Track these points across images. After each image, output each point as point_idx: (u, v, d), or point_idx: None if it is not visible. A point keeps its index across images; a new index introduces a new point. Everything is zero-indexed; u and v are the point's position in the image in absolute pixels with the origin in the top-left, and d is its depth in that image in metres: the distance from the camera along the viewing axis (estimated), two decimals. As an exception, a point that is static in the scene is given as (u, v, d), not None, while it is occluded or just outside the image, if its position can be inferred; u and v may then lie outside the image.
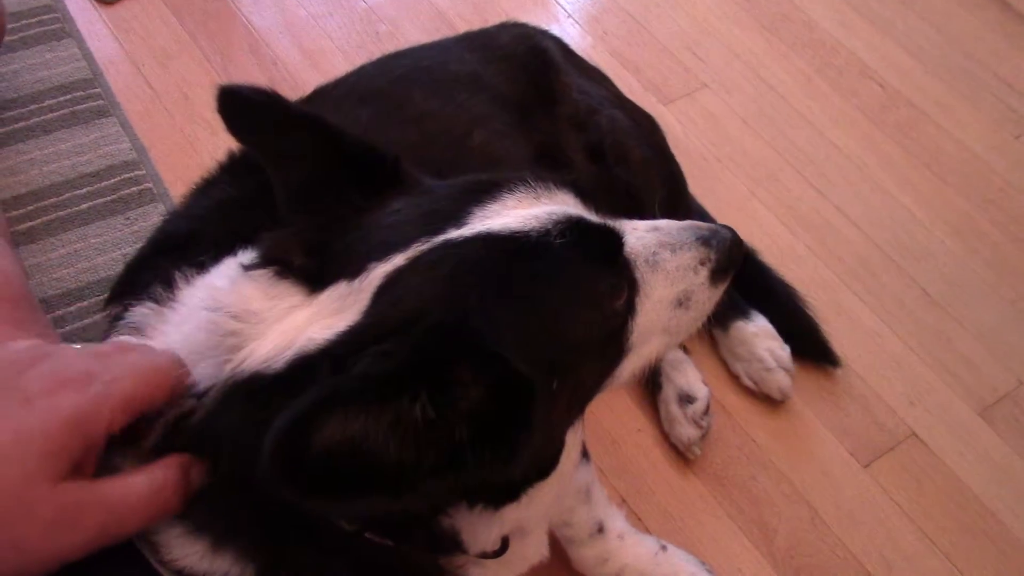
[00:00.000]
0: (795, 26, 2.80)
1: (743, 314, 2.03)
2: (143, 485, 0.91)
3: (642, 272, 1.08)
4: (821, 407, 2.02)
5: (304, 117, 1.02)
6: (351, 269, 0.92)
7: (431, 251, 0.92)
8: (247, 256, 1.00)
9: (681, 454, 1.92)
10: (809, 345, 2.06)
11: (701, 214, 2.19)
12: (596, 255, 1.01)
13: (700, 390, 1.93)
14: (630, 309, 1.06)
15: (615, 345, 1.05)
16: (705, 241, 1.15)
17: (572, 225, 0.98)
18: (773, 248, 2.25)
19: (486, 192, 1.00)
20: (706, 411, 1.91)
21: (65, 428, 0.87)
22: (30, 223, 2.03)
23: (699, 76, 2.65)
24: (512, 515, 1.04)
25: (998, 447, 1.98)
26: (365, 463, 0.77)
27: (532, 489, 1.04)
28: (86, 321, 1.90)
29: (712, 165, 2.44)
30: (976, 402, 2.05)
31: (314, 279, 0.93)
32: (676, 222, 1.18)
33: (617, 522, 1.67)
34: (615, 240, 1.06)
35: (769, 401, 2.01)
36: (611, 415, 1.98)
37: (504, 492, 1.00)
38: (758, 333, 2.01)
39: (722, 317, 2.04)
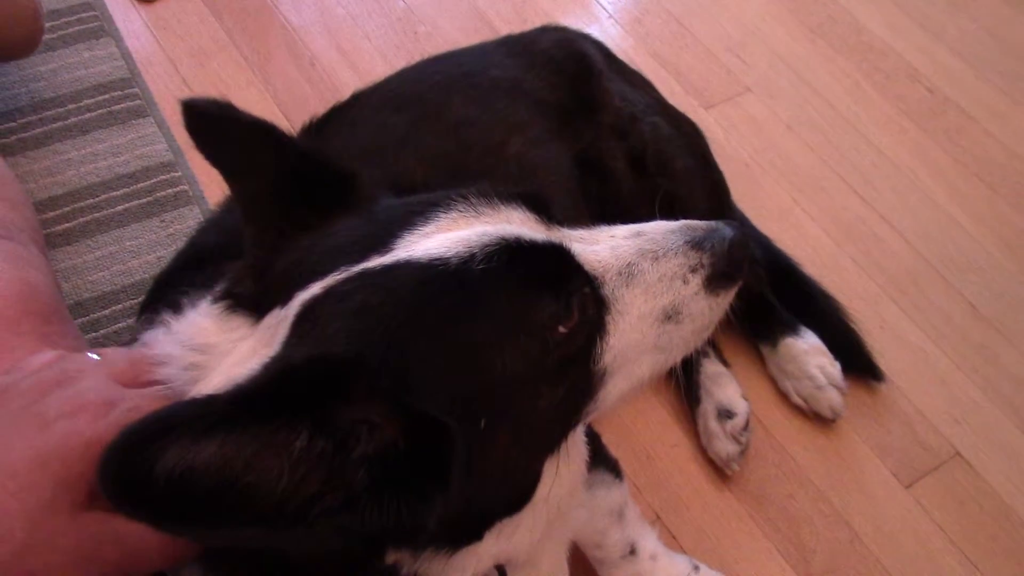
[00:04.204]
0: (843, 29, 2.73)
1: (792, 330, 1.99)
2: None
3: (613, 287, 0.99)
4: (863, 424, 1.97)
5: (258, 128, 0.97)
6: (283, 296, 0.88)
7: (346, 281, 0.86)
8: (216, 287, 0.98)
9: (718, 470, 1.89)
10: (852, 359, 2.01)
11: (743, 223, 2.14)
12: (531, 279, 0.91)
13: (740, 405, 1.88)
14: (597, 329, 0.96)
15: (580, 371, 0.95)
16: (696, 244, 1.03)
17: (503, 248, 0.90)
18: (816, 259, 2.20)
19: (420, 214, 0.93)
20: (745, 426, 1.87)
21: (83, 454, 0.86)
22: (66, 224, 2.03)
23: (742, 80, 2.59)
24: (490, 550, 0.99)
25: (1046, 470, 1.92)
26: (231, 492, 0.72)
27: (504, 524, 0.98)
28: (120, 324, 1.90)
29: (754, 172, 2.39)
30: (1023, 421, 1.99)
31: (258, 307, 0.90)
32: (665, 224, 1.06)
33: (649, 542, 1.64)
34: (559, 260, 0.96)
35: (810, 418, 1.96)
36: (647, 429, 1.94)
37: (457, 532, 0.93)
38: (808, 350, 1.96)
39: (770, 333, 2.00)
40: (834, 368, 1.94)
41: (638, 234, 1.04)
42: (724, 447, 1.86)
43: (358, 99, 1.71)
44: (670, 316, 1.02)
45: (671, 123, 1.90)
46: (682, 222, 1.07)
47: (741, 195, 2.19)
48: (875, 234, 2.28)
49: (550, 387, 0.92)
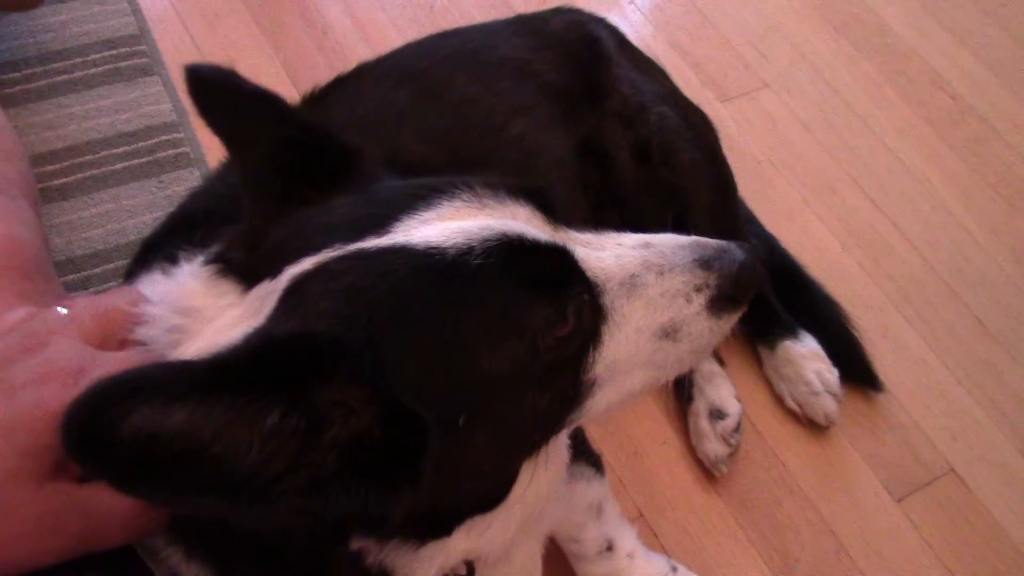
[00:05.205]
0: (868, 29, 2.67)
1: (791, 333, 1.95)
2: (129, 502, 0.87)
3: (613, 297, 0.96)
4: (857, 434, 1.93)
5: (261, 97, 0.95)
6: (274, 268, 0.86)
7: (340, 259, 0.84)
8: (209, 251, 0.96)
9: (706, 471, 1.85)
10: (851, 366, 1.97)
11: (750, 220, 2.10)
12: (529, 279, 0.88)
13: (732, 406, 1.85)
14: (592, 339, 0.94)
15: (568, 378, 0.93)
16: (705, 263, 1.01)
17: (503, 244, 0.87)
18: (822, 262, 2.15)
19: (423, 198, 0.90)
20: (736, 428, 1.83)
21: (50, 424, 0.84)
22: (64, 179, 2.01)
23: (761, 75, 2.54)
24: (459, 546, 0.97)
25: (1041, 492, 1.88)
26: (197, 460, 0.70)
27: (475, 522, 0.96)
28: (111, 283, 1.88)
29: (766, 169, 2.35)
30: (1022, 442, 1.94)
31: (248, 276, 0.89)
32: (675, 237, 1.04)
33: (627, 540, 1.61)
34: (561, 263, 0.94)
35: (804, 423, 1.93)
36: (637, 424, 1.91)
37: (425, 526, 0.91)
38: (806, 354, 1.92)
39: (769, 335, 1.96)
40: (831, 374, 1.91)
41: (646, 245, 1.01)
42: (713, 448, 1.82)
43: (361, 70, 1.68)
44: (668, 333, 1.00)
45: (680, 114, 1.85)
46: (693, 238, 1.04)
47: (750, 193, 2.16)
48: (884, 241, 2.23)
49: (535, 392, 0.90)
